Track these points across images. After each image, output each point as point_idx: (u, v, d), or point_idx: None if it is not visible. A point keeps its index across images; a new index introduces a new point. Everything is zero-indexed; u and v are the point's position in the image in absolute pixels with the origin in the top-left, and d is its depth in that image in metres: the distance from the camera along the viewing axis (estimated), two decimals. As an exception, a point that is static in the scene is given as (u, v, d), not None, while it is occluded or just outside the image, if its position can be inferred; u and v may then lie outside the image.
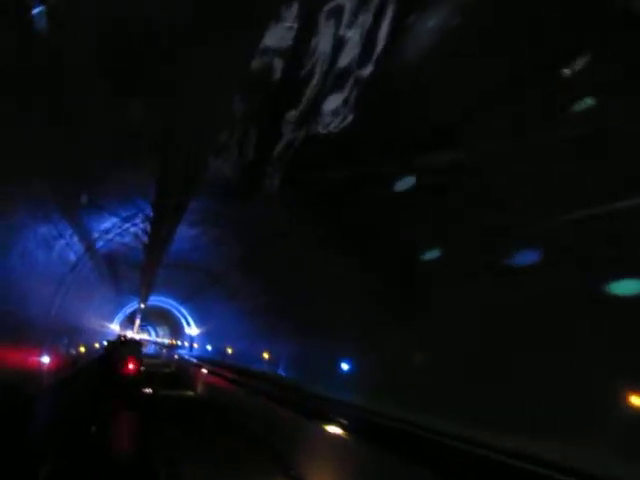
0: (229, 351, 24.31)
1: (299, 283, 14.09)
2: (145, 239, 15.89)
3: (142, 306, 28.68)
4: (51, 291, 10.99)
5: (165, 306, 39.51)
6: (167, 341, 57.33)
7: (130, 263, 19.90)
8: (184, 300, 32.70)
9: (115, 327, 37.98)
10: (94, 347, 22.77)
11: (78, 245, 12.31)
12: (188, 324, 37.44)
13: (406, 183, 7.77)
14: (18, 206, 7.47)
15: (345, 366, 12.01)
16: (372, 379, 10.79)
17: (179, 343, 46.53)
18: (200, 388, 20.71)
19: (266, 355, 18.23)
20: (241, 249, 16.26)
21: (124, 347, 21.37)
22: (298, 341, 15.08)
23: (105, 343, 23.64)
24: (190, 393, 20.48)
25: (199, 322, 33.80)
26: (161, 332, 64.57)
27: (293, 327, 15.37)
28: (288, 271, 14.40)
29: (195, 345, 36.51)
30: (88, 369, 18.16)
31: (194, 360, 28.04)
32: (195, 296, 28.16)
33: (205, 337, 32.46)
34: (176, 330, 47.79)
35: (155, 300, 33.81)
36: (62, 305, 11.99)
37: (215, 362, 24.06)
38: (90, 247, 14.31)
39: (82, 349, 17.13)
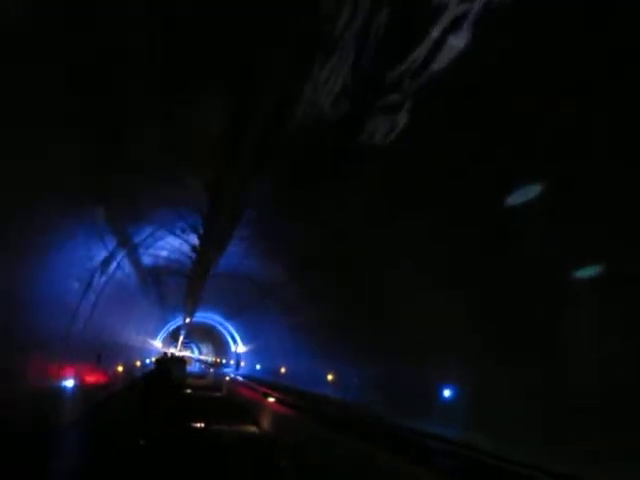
0: (282, 371, 21.80)
1: (378, 293, 11.50)
2: (193, 252, 14.68)
3: (187, 321, 26.65)
4: (88, 304, 8.80)
5: (210, 322, 37.52)
6: (211, 359, 55.52)
7: (176, 276, 18.50)
8: (231, 316, 30.53)
9: (158, 344, 36.14)
10: (135, 365, 20.69)
11: (121, 256, 11.29)
12: (234, 341, 35.24)
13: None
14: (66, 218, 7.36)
15: (447, 393, 9.31)
16: (496, 411, 8.05)
17: (224, 361, 44.43)
18: (265, 422, 15.77)
19: (330, 377, 15.62)
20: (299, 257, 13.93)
21: (170, 364, 19.50)
22: (375, 363, 12.41)
23: (153, 360, 23.06)
24: (253, 429, 15.17)
25: (247, 339, 31.51)
26: (205, 350, 63.01)
27: (367, 346, 12.74)
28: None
29: (242, 363, 34.22)
30: (127, 391, 16.02)
31: (245, 381, 25.17)
32: (243, 311, 25.92)
33: (253, 355, 30.09)
34: (220, 347, 45.78)
35: (199, 316, 31.73)
36: (95, 319, 9.83)
37: (268, 384, 21.59)
38: (134, 259, 13.48)
39: (120, 368, 15.00)
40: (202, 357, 63.70)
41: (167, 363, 18.80)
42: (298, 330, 18.76)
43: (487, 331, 8.41)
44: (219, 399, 21.26)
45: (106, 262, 11.17)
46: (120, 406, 13.30)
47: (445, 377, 9.39)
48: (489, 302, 8.10)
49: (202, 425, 14.64)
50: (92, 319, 9.27)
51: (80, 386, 8.45)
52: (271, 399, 16.16)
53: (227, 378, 26.59)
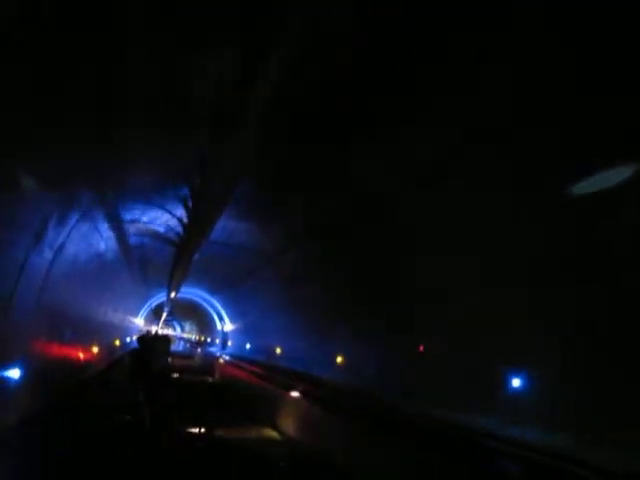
0: (278, 351, 19.71)
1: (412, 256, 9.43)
2: (180, 226, 13.42)
3: (173, 295, 24.34)
4: (43, 261, 6.53)
5: (194, 298, 35.18)
6: (194, 337, 53.39)
7: (161, 251, 16.39)
8: (217, 291, 28.24)
9: (140, 322, 33.77)
10: (113, 345, 18.34)
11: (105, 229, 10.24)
12: (221, 318, 33.04)
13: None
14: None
15: (516, 382, 7.34)
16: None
17: (208, 340, 42.27)
18: (285, 422, 10.87)
19: (340, 359, 13.59)
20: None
21: (155, 343, 17.17)
22: (402, 342, 10.36)
23: (134, 339, 20.59)
24: (274, 435, 10.36)
25: (235, 316, 29.31)
26: (187, 327, 60.88)
27: (391, 322, 10.69)
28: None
29: (229, 343, 32.09)
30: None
31: (237, 361, 22.34)
32: (232, 285, 23.66)
33: (242, 333, 27.94)
34: (205, 325, 43.57)
35: (182, 292, 29.27)
36: (58, 285, 7.54)
37: (262, 364, 19.50)
38: (120, 235, 12.37)
39: (95, 349, 12.67)
40: (184, 335, 61.46)
41: (151, 342, 16.51)
42: (298, 305, 16.62)
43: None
44: (214, 387, 17.68)
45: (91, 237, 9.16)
46: (91, 397, 10.77)
47: (513, 362, 7.38)
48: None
49: (202, 431, 9.95)
50: (53, 285, 6.98)
51: (32, 372, 6.21)
52: (287, 390, 11.89)
53: (220, 360, 23.44)
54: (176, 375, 17.40)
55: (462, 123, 6.30)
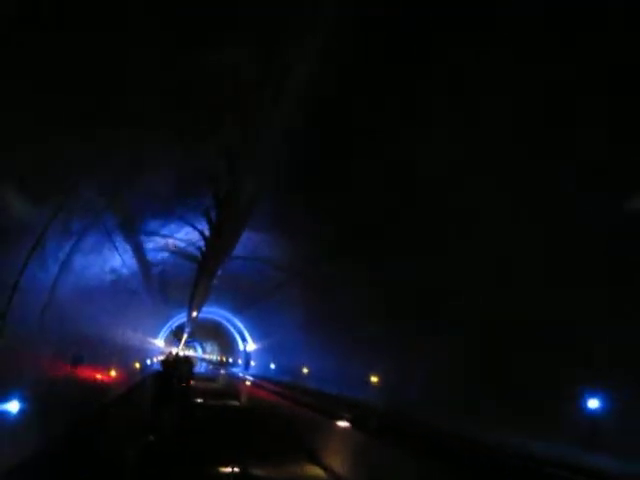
0: (305, 371, 18.66)
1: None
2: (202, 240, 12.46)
3: (195, 314, 23.50)
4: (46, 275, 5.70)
5: (215, 318, 34.31)
6: (216, 357, 52.47)
7: (182, 267, 15.67)
8: (239, 310, 27.31)
9: (160, 343, 33.02)
10: (133, 368, 17.49)
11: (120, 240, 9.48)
12: (243, 338, 32.10)
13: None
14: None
15: (594, 404, 6.28)
16: None
17: (230, 360, 41.27)
18: (330, 455, 9.31)
19: (375, 379, 12.53)
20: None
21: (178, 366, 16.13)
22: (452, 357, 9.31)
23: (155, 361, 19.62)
24: (318, 474, 8.89)
25: (258, 335, 28.33)
26: (209, 348, 59.98)
27: (439, 337, 9.67)
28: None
29: (252, 363, 31.06)
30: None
31: (263, 382, 20.96)
32: (255, 304, 22.73)
33: (266, 353, 26.89)
34: (226, 346, 42.60)
35: (203, 312, 28.34)
36: (66, 302, 6.69)
37: (289, 386, 18.45)
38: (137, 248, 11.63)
39: (113, 372, 11.79)
40: (206, 356, 60.51)
41: (174, 365, 15.55)
42: (327, 322, 15.62)
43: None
44: (242, 412, 16.25)
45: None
46: (111, 430, 9.64)
47: (589, 378, 6.31)
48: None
49: (234, 470, 8.27)
50: (61, 302, 6.15)
51: (36, 403, 5.31)
52: (324, 414, 10.41)
53: (247, 382, 21.27)
54: (200, 400, 15.90)
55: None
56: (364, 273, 11.88)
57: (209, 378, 31.83)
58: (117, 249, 9.82)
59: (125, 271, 11.71)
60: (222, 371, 33.10)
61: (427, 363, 10.50)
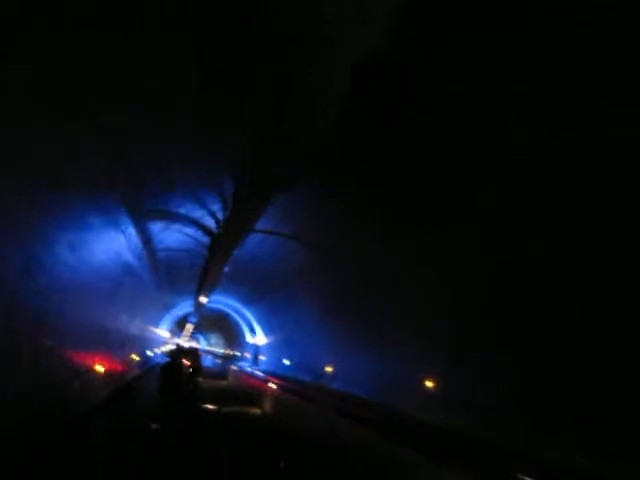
0: (328, 370, 16.14)
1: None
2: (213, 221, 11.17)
3: (203, 300, 21.00)
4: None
5: (222, 308, 31.78)
6: (221, 351, 50.04)
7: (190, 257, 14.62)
8: (251, 301, 24.70)
9: (164, 334, 30.55)
10: (130, 361, 14.95)
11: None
12: (252, 331, 29.55)
13: None
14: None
15: None
16: None
17: (237, 354, 38.72)
18: None
19: (430, 384, 9.99)
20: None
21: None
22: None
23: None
24: None
25: (269, 328, 25.78)
26: (213, 340, 57.60)
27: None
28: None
29: (262, 357, 28.54)
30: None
31: (283, 383, 16.88)
32: (269, 293, 20.15)
33: (279, 348, 24.34)
34: (232, 338, 40.07)
35: (209, 302, 25.58)
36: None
37: (309, 386, 15.92)
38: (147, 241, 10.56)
39: (99, 367, 9.27)
40: (210, 348, 58.07)
41: (184, 357, 13.12)
42: (359, 311, 13.05)
43: None
44: (271, 430, 11.43)
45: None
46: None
47: None
48: None
49: None
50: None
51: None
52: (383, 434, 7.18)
53: (269, 383, 16.95)
54: (210, 406, 12.13)
55: None
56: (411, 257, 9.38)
57: (217, 374, 27.93)
58: (120, 230, 7.63)
59: (127, 254, 9.43)
60: (232, 367, 28.61)
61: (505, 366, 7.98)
